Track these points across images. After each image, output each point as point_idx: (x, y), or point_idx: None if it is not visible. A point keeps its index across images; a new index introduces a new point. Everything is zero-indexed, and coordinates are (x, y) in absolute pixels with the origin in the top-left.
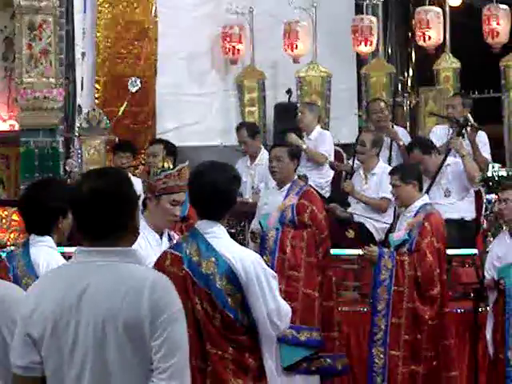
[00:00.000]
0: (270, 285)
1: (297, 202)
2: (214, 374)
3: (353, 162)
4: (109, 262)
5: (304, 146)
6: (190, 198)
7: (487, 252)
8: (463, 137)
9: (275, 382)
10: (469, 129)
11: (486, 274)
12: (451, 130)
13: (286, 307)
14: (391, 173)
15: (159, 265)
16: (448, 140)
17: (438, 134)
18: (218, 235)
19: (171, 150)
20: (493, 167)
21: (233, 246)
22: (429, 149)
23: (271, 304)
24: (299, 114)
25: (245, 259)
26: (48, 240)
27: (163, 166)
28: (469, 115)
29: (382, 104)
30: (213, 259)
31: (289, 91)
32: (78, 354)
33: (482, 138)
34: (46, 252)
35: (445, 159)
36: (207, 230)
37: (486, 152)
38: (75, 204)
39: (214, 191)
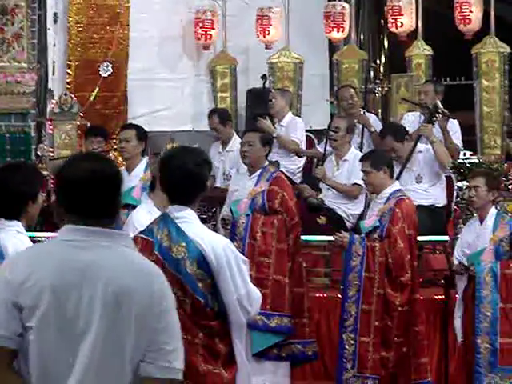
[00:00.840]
0: (241, 270)
1: (267, 188)
2: (185, 360)
3: (325, 148)
4: (108, 243)
5: (275, 133)
6: (160, 182)
7: (458, 239)
8: (433, 124)
9: (245, 368)
10: (440, 116)
11: (454, 259)
12: (422, 117)
13: (256, 293)
14: (362, 159)
15: None
16: (419, 127)
17: (410, 120)
18: (188, 220)
19: (142, 134)
20: (464, 154)
21: (204, 231)
22: (401, 136)
23: (241, 289)
24: (271, 100)
25: (216, 244)
26: (17, 224)
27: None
28: (438, 102)
29: (352, 91)
30: (183, 244)
31: (264, 77)
32: (79, 326)
33: (454, 125)
34: (14, 236)
35: (415, 146)
36: (178, 214)
37: (457, 139)
38: (71, 183)
39: (185, 176)
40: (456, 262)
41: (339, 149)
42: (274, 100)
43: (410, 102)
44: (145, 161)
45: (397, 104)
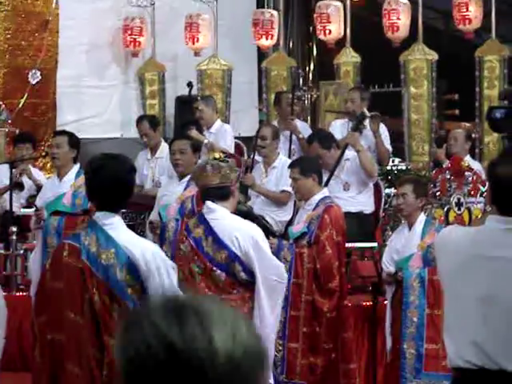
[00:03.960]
0: (170, 275)
1: (196, 193)
2: (112, 365)
3: (253, 156)
4: None
5: (205, 141)
6: (88, 190)
7: (386, 245)
8: (361, 131)
9: None
10: (367, 121)
11: (383, 266)
12: (351, 124)
13: None
14: (291, 166)
15: (57, 255)
16: (346, 135)
17: (338, 127)
18: (116, 226)
19: (75, 141)
20: (393, 161)
21: (132, 237)
22: (328, 143)
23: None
24: (198, 111)
25: (145, 250)
26: None
27: (214, 158)
28: (365, 109)
29: (290, 96)
30: (112, 250)
31: (189, 84)
32: None
33: (382, 129)
34: None
35: (343, 153)
36: (106, 221)
37: (387, 143)
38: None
39: (115, 183)
40: (384, 269)
41: (268, 156)
42: (200, 111)
43: (334, 112)
44: (76, 168)
45: (325, 111)
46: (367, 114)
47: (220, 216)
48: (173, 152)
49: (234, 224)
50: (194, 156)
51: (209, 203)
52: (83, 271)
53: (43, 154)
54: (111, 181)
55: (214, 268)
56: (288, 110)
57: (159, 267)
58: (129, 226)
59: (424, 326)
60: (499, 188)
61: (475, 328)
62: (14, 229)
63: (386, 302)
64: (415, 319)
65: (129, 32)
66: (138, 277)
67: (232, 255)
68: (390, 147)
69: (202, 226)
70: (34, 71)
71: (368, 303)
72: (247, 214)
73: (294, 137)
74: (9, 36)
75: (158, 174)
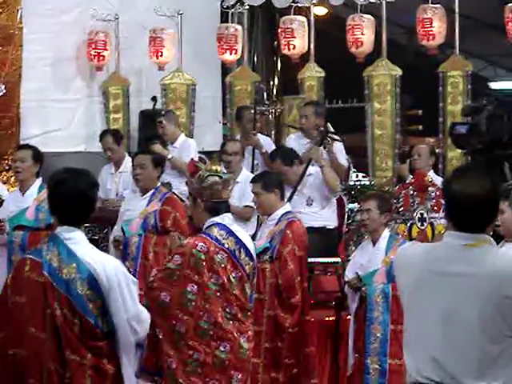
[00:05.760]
0: (131, 291)
1: (160, 208)
2: (73, 381)
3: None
4: None
5: (169, 156)
6: (50, 204)
7: (349, 260)
8: (324, 147)
9: None
10: (330, 139)
11: (345, 278)
12: (306, 139)
13: (145, 313)
14: (253, 181)
15: (18, 270)
16: (308, 150)
17: (293, 140)
18: (78, 241)
19: (38, 155)
20: (356, 176)
21: (94, 251)
22: (290, 159)
23: (131, 310)
24: (160, 127)
25: (107, 265)
26: None
27: (216, 170)
28: (329, 124)
29: (252, 111)
30: (74, 265)
31: (154, 98)
32: None
33: (338, 145)
34: None
35: (306, 168)
36: (68, 235)
37: (342, 159)
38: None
39: (77, 198)
40: (346, 279)
41: (233, 171)
42: (162, 128)
43: (293, 127)
44: (39, 181)
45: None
46: (331, 129)
47: (239, 228)
48: (134, 167)
49: (248, 236)
50: (155, 171)
51: (229, 215)
52: (45, 286)
53: (6, 167)
54: (73, 195)
55: (246, 279)
56: (250, 125)
57: (120, 282)
58: (91, 241)
59: (388, 341)
60: (455, 204)
61: (434, 344)
62: None
63: (349, 318)
64: (379, 335)
65: (93, 46)
66: (99, 292)
67: (255, 266)
68: (345, 162)
69: (230, 237)
70: None
71: (331, 318)
72: None
73: (256, 151)
74: None
75: (122, 188)
